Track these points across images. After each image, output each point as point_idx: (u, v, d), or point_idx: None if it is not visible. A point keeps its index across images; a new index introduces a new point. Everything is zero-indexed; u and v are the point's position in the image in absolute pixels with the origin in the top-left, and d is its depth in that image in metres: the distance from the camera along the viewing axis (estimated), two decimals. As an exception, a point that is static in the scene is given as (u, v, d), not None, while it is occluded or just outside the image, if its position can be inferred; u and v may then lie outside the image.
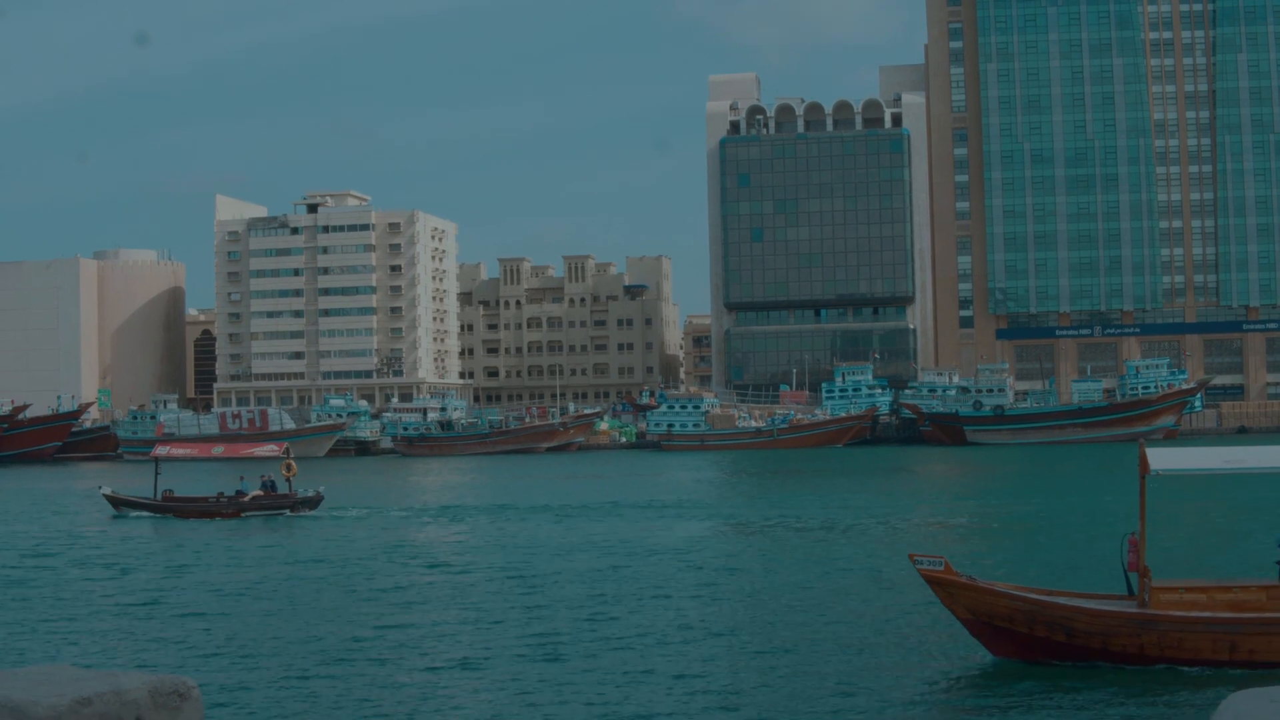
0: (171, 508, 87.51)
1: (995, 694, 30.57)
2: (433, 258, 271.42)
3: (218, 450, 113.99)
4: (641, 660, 35.12)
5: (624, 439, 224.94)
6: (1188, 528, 63.61)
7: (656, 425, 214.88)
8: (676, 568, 55.66)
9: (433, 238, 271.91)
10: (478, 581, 52.74)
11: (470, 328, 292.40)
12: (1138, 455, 32.00)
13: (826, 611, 42.70)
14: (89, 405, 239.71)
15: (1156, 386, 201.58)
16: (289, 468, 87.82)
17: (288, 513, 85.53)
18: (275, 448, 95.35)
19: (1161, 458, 32.08)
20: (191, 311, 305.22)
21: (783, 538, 68.03)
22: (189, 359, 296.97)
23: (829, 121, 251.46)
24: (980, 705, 30.00)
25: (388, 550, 65.46)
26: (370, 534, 74.31)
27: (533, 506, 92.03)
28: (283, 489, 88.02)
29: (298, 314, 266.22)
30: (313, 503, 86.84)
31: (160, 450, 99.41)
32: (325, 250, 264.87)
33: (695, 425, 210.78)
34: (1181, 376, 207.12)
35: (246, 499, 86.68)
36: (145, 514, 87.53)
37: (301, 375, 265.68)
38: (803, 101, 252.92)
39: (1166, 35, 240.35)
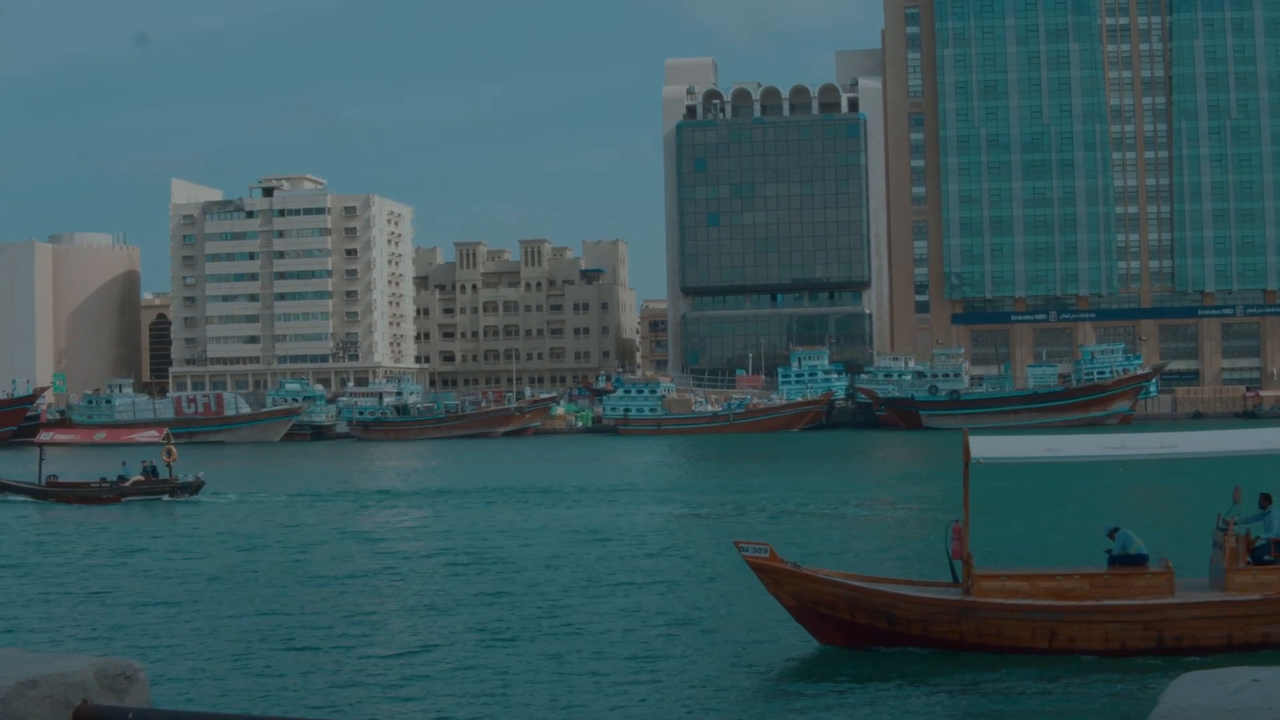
0: (53, 493, 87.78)
1: (817, 681, 30.56)
2: (389, 241, 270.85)
3: (100, 436, 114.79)
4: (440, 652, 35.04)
5: (580, 423, 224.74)
6: (1033, 515, 63.91)
7: (613, 409, 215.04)
8: (529, 553, 55.68)
9: (389, 221, 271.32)
10: (378, 567, 52.79)
11: (426, 312, 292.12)
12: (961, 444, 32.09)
13: (666, 598, 42.58)
14: (44, 389, 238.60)
15: (1112, 372, 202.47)
16: (169, 453, 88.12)
17: (166, 497, 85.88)
18: (155, 433, 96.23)
19: (983, 446, 32.24)
20: (147, 295, 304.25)
21: (685, 523, 68.24)
22: (144, 343, 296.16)
23: (785, 106, 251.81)
24: (802, 692, 29.95)
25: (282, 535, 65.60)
26: (249, 519, 74.60)
27: (430, 491, 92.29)
28: (164, 474, 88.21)
29: (253, 298, 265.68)
30: (193, 488, 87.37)
31: (44, 436, 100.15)
32: (281, 234, 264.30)
33: (651, 410, 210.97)
34: (1137, 362, 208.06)
35: (128, 484, 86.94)
36: (26, 499, 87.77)
37: (257, 359, 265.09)
38: (759, 86, 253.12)
39: (1123, 21, 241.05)
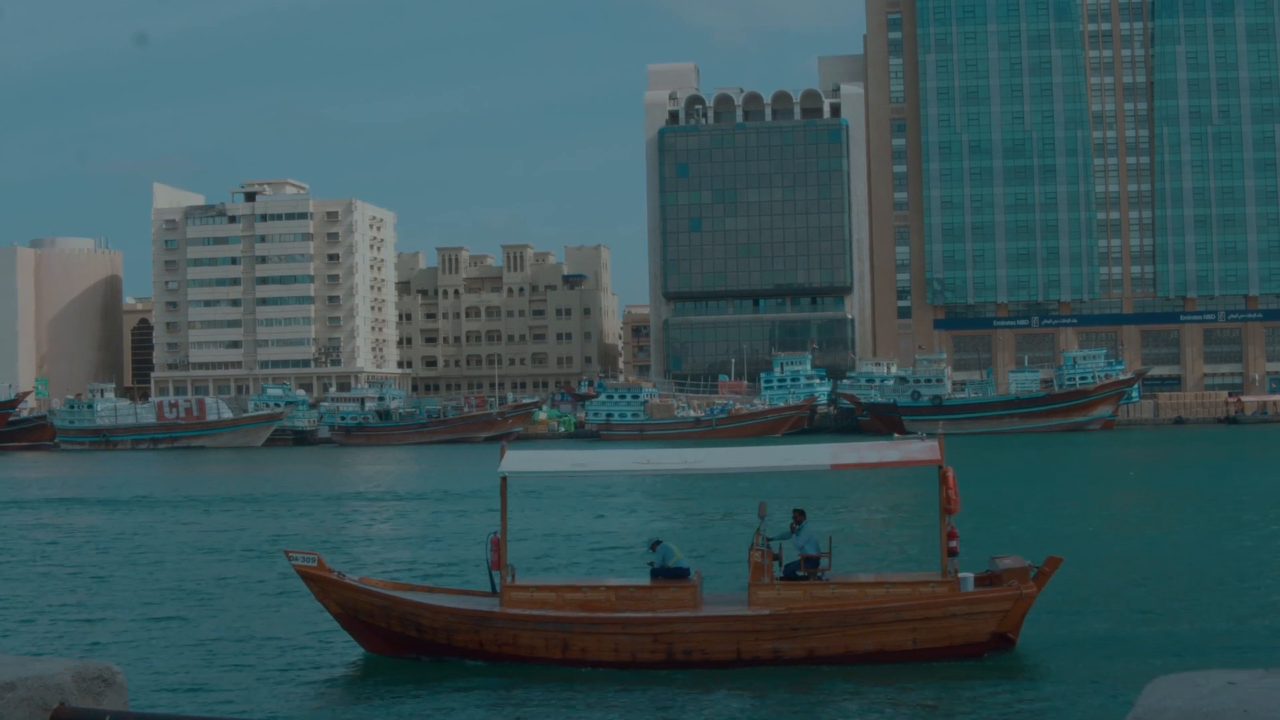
0: None
1: (356, 688, 31.40)
2: (371, 246, 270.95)
3: None
4: None
5: (562, 428, 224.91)
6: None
7: (595, 415, 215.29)
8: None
9: (371, 226, 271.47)
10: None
11: (408, 317, 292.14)
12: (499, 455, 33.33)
13: (237, 604, 43.04)
14: (26, 394, 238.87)
15: (1094, 377, 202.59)
16: None
17: None
18: None
19: (512, 461, 33.24)
20: (129, 300, 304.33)
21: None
22: (126, 348, 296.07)
23: (768, 112, 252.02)
24: (342, 697, 30.74)
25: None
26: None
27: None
28: None
29: (235, 303, 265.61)
30: None
31: None
32: (263, 239, 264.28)
33: (634, 415, 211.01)
34: (1118, 367, 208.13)
35: None
36: None
37: (239, 364, 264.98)
38: (741, 91, 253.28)
39: (1105, 27, 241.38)
